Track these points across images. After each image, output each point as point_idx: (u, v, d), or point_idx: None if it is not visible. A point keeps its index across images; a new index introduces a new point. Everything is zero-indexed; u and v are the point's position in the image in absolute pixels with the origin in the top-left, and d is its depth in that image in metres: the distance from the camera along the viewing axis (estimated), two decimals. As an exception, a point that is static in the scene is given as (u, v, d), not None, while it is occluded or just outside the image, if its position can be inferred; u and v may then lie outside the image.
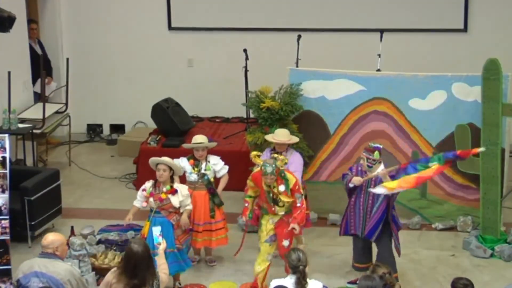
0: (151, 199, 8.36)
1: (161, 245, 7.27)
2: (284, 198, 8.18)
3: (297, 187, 8.23)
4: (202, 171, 8.90)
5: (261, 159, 8.29)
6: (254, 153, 8.44)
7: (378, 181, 8.11)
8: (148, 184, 8.46)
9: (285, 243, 8.29)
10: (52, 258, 6.73)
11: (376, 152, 8.16)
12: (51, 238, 6.78)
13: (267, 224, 8.36)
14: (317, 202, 9.95)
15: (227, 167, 9.05)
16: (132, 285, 6.45)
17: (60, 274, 6.66)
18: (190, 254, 8.89)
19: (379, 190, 7.90)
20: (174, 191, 8.34)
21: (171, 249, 8.23)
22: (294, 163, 8.90)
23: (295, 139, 9.15)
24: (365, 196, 8.24)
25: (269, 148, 9.15)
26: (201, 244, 9.00)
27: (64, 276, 6.65)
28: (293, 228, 8.18)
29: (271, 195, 8.21)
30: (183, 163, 8.92)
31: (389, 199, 8.11)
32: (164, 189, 8.33)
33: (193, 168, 8.91)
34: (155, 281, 6.55)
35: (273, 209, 8.28)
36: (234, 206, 9.89)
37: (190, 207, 8.46)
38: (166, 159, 8.39)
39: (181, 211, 8.41)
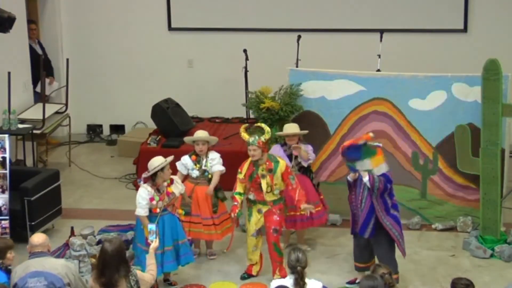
0: (160, 202, 8.22)
1: (153, 243, 7.15)
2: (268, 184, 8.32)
3: (288, 169, 8.46)
4: (203, 167, 8.95)
5: (248, 134, 8.43)
6: (244, 126, 8.60)
7: (359, 178, 8.17)
8: (147, 191, 8.17)
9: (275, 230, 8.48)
10: (45, 256, 6.77)
11: None
12: (41, 237, 6.85)
13: (255, 215, 8.49)
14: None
15: (220, 167, 8.97)
16: (100, 283, 6.45)
17: (57, 269, 6.70)
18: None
19: (365, 177, 8.05)
20: (172, 181, 8.40)
21: (183, 240, 8.36)
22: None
23: (304, 131, 9.23)
24: (356, 193, 8.26)
25: (279, 144, 9.20)
26: (208, 237, 9.02)
27: (61, 270, 6.71)
28: (306, 208, 8.37)
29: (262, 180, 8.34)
30: (185, 160, 8.99)
31: (372, 193, 8.08)
32: (165, 184, 8.34)
33: (195, 164, 8.95)
34: (131, 277, 6.50)
35: (262, 195, 8.41)
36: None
37: (183, 188, 8.59)
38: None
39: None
